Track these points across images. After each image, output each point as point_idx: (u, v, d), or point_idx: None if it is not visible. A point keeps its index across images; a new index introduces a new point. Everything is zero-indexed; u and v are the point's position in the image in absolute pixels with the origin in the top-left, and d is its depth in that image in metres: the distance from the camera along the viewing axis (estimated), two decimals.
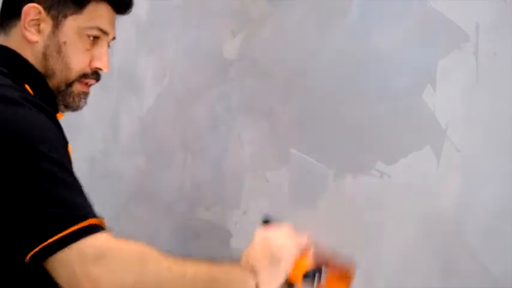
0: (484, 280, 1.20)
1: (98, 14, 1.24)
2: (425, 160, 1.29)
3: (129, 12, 1.30)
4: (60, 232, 1.00)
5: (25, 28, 1.21)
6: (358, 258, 1.40)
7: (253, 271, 1.13)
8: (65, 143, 1.15)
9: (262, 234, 1.18)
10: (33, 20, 1.21)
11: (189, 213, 1.80)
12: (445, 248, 1.26)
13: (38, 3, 1.21)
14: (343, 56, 1.45)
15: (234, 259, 1.18)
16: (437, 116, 1.28)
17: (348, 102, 1.44)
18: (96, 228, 1.03)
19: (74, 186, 1.07)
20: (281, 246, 1.16)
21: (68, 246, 1.00)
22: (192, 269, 1.13)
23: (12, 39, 1.22)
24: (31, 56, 1.22)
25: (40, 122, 1.10)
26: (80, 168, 2.24)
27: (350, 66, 1.43)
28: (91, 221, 1.03)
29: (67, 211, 1.02)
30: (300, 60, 1.54)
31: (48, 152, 1.05)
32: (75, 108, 1.27)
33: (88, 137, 2.15)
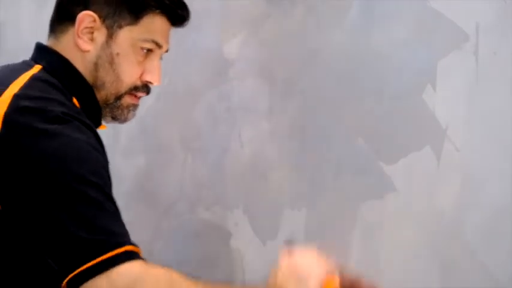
0: (484, 280, 1.20)
1: (154, 27, 1.20)
2: (425, 160, 1.29)
3: (185, 25, 1.26)
4: (93, 259, 0.98)
5: (78, 36, 1.17)
6: (358, 258, 1.40)
7: None
8: (106, 163, 1.12)
9: (288, 258, 1.14)
10: (87, 27, 1.17)
11: (189, 213, 1.80)
12: (445, 248, 1.26)
13: (94, 11, 1.16)
14: (343, 56, 1.45)
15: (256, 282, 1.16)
16: (437, 116, 1.28)
17: (347, 102, 1.44)
18: (130, 256, 1.00)
19: (111, 211, 1.05)
20: (308, 268, 1.13)
21: (100, 275, 0.97)
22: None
23: (62, 45, 1.18)
24: (81, 65, 1.17)
25: (82, 142, 1.05)
26: None
27: (350, 66, 1.43)
28: (126, 248, 1.00)
29: (101, 237, 0.99)
30: (300, 60, 1.54)
31: (88, 175, 1.03)
32: (122, 120, 1.25)
33: None
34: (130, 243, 1.02)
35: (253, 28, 1.65)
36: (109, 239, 1.00)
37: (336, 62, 1.46)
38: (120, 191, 2.04)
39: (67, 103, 1.10)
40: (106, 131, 2.02)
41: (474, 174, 1.22)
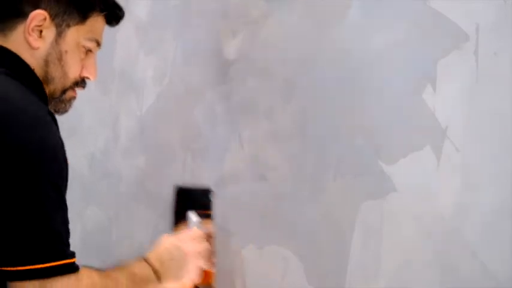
0: (484, 280, 1.20)
1: (97, 26, 1.29)
2: (425, 160, 1.29)
3: (116, 25, 1.35)
4: (36, 263, 1.03)
5: (28, 33, 1.21)
6: (358, 258, 1.40)
7: (157, 270, 1.27)
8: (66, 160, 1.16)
9: (171, 238, 1.35)
10: (37, 25, 1.21)
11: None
12: (445, 248, 1.26)
13: (44, 9, 1.21)
14: (343, 56, 1.45)
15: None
16: (437, 116, 1.28)
17: (347, 102, 1.44)
18: (67, 270, 1.06)
19: (65, 217, 1.10)
20: (191, 256, 1.34)
21: (34, 280, 1.03)
22: (122, 275, 1.21)
23: (11, 42, 1.22)
24: (32, 61, 1.22)
25: (57, 137, 1.12)
26: (80, 168, 2.25)
27: (350, 66, 1.43)
28: (66, 261, 1.06)
29: (49, 243, 1.05)
30: (300, 60, 1.54)
31: (55, 175, 1.08)
32: (63, 112, 1.31)
33: (88, 137, 2.15)
34: (72, 255, 1.08)
35: (253, 28, 1.65)
36: (56, 247, 1.06)
37: (336, 62, 1.46)
38: (120, 191, 2.04)
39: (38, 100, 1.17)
40: (106, 131, 2.01)
41: (474, 174, 1.22)
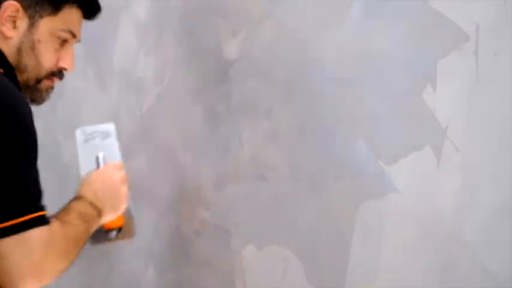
0: (484, 280, 1.20)
1: (71, 18, 1.32)
2: (425, 160, 1.29)
3: (95, 19, 1.39)
4: (9, 221, 1.07)
5: (1, 23, 1.26)
6: (358, 258, 1.40)
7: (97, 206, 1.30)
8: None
9: (95, 173, 1.38)
10: (10, 16, 1.26)
11: (189, 213, 1.80)
12: (445, 248, 1.26)
13: (17, 0, 1.26)
14: (343, 56, 1.45)
15: None
16: (437, 116, 1.28)
17: (347, 102, 1.44)
18: (41, 222, 1.10)
19: (35, 175, 1.14)
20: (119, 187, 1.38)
21: (11, 236, 1.07)
22: (76, 217, 1.24)
23: None
24: (5, 48, 1.27)
25: (24, 109, 1.16)
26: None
27: (350, 66, 1.43)
28: (39, 214, 1.10)
29: (25, 197, 1.09)
30: (300, 60, 1.54)
31: (24, 141, 1.12)
32: (40, 102, 1.35)
33: None
34: (43, 208, 1.12)
35: (253, 28, 1.65)
36: (27, 201, 1.10)
37: (336, 62, 1.46)
38: None
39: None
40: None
41: (474, 174, 1.22)
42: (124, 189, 1.40)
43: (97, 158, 1.42)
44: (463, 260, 1.23)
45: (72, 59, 1.35)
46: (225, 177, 1.71)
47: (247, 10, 1.66)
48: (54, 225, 1.13)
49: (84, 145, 1.45)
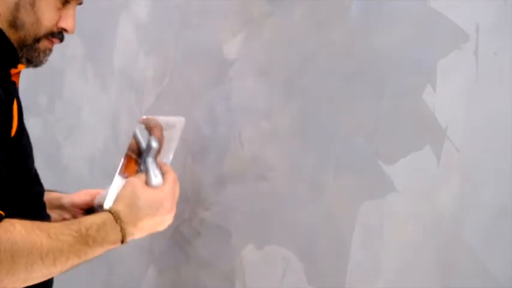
0: (484, 280, 1.20)
1: None
2: (425, 160, 1.29)
3: None
4: None
5: None
6: (358, 258, 1.40)
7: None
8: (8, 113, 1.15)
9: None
10: None
11: (189, 213, 1.80)
12: (445, 248, 1.26)
13: None
14: (343, 56, 1.45)
15: None
16: (437, 116, 1.28)
17: (347, 102, 1.44)
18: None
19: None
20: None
21: None
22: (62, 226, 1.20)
23: None
24: (1, 3, 1.21)
25: None
26: (79, 168, 2.25)
27: (350, 66, 1.43)
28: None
29: None
30: (300, 60, 1.54)
31: None
32: (37, 63, 1.29)
33: (88, 136, 2.15)
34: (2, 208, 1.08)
35: (253, 28, 1.65)
36: None
37: (336, 62, 1.46)
38: None
39: None
40: (106, 131, 2.02)
41: (474, 174, 1.22)
42: (170, 219, 1.35)
43: (135, 135, 1.33)
44: (463, 260, 1.23)
45: (74, 20, 1.29)
46: (225, 177, 1.71)
47: (247, 10, 1.66)
48: (16, 222, 1.06)
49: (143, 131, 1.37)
